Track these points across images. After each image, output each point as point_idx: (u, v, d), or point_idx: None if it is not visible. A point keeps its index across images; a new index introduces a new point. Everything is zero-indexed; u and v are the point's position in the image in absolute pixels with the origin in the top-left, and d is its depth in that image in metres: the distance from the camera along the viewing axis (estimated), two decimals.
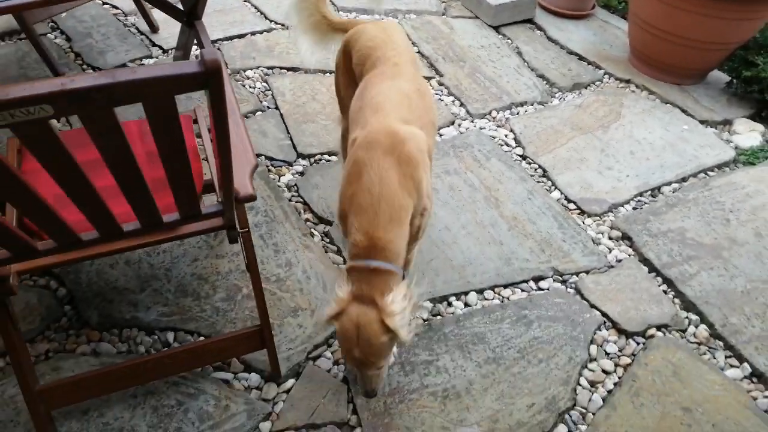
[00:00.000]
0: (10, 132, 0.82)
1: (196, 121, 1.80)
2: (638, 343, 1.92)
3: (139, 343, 1.81)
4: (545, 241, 2.22)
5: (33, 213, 1.08)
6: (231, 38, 3.23)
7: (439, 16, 3.62)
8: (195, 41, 2.48)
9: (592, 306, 2.01)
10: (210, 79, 0.86)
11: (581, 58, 3.31)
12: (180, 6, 2.41)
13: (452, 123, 2.78)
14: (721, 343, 1.93)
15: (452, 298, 2.00)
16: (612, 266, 2.16)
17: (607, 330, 1.96)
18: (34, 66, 2.88)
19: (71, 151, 0.92)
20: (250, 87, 2.89)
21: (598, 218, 2.35)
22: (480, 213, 2.30)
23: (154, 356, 1.57)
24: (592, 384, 1.81)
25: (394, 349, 1.73)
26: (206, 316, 1.88)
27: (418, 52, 3.24)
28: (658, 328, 1.96)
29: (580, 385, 1.80)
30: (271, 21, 3.42)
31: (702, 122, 2.89)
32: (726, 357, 1.90)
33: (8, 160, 0.91)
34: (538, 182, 2.50)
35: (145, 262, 2.01)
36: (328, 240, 2.18)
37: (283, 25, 3.38)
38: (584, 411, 1.74)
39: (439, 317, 1.95)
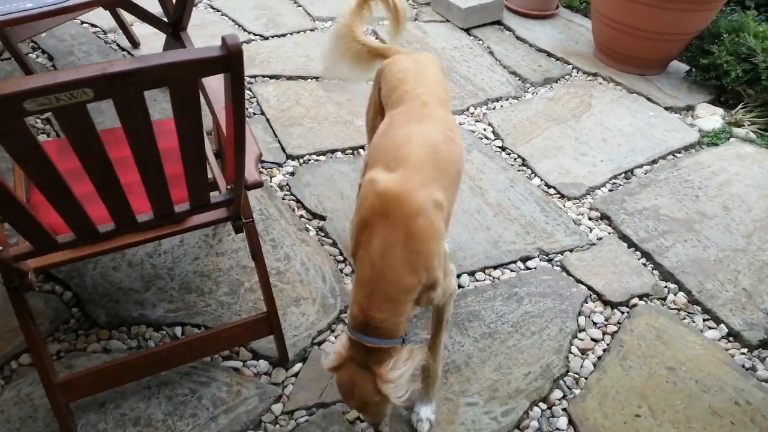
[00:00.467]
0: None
1: None
2: (623, 313, 2.04)
3: (148, 338, 1.86)
4: (529, 224, 2.34)
5: (65, 207, 1.15)
6: None
7: (412, 21, 3.75)
8: None
9: (578, 281, 2.13)
10: (231, 61, 0.95)
11: (549, 54, 3.47)
12: (164, 18, 2.49)
13: None
14: (698, 308, 2.06)
15: None
16: (594, 244, 2.29)
17: (593, 302, 2.07)
18: None
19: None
20: None
21: (577, 201, 2.48)
22: (466, 202, 2.41)
23: (167, 346, 1.63)
24: (583, 351, 1.91)
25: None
26: (211, 310, 1.94)
27: None
28: (640, 297, 2.09)
29: (571, 353, 1.91)
30: (249, 32, 3.51)
31: (666, 109, 3.05)
32: (704, 320, 2.03)
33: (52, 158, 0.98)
34: (519, 171, 2.62)
35: (147, 263, 2.07)
36: (323, 234, 2.26)
37: (261, 36, 3.48)
38: (577, 376, 1.84)
39: None
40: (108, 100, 0.91)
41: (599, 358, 1.90)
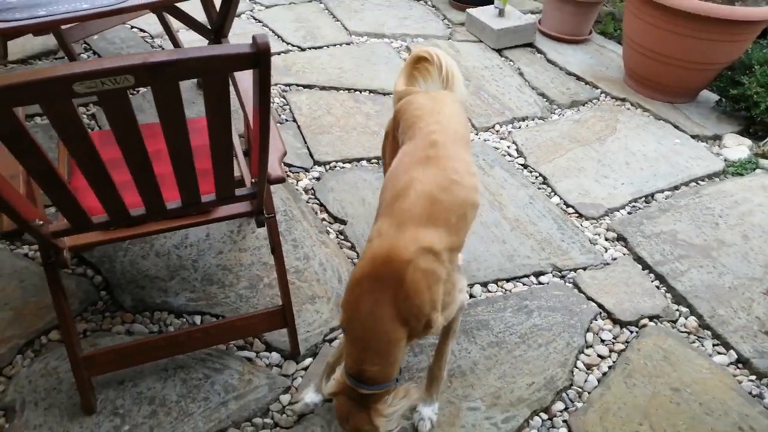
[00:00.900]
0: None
1: None
2: (631, 332, 2.06)
3: (169, 324, 1.96)
4: (545, 241, 2.37)
5: (102, 186, 1.26)
6: None
7: (446, 40, 3.85)
8: None
9: (589, 298, 2.16)
10: (260, 58, 1.04)
11: (579, 78, 3.52)
12: (208, 26, 2.63)
13: None
14: (709, 333, 2.07)
15: None
16: (608, 263, 2.31)
17: (603, 320, 2.10)
18: None
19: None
20: None
21: (594, 221, 2.51)
22: (485, 215, 2.47)
23: (185, 330, 1.73)
24: (588, 366, 1.94)
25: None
26: (230, 302, 2.03)
27: None
28: (651, 318, 2.10)
29: (576, 367, 1.93)
30: (288, 43, 3.65)
31: (693, 137, 3.06)
32: (713, 345, 2.04)
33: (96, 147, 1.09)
34: (539, 189, 2.66)
35: (173, 254, 2.18)
36: (342, 237, 2.34)
37: (299, 47, 3.62)
38: (580, 390, 1.87)
39: None
40: (149, 102, 1.00)
41: (604, 374, 1.92)
